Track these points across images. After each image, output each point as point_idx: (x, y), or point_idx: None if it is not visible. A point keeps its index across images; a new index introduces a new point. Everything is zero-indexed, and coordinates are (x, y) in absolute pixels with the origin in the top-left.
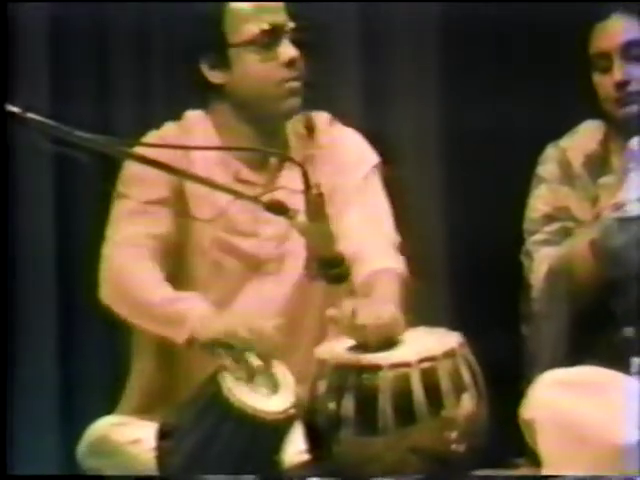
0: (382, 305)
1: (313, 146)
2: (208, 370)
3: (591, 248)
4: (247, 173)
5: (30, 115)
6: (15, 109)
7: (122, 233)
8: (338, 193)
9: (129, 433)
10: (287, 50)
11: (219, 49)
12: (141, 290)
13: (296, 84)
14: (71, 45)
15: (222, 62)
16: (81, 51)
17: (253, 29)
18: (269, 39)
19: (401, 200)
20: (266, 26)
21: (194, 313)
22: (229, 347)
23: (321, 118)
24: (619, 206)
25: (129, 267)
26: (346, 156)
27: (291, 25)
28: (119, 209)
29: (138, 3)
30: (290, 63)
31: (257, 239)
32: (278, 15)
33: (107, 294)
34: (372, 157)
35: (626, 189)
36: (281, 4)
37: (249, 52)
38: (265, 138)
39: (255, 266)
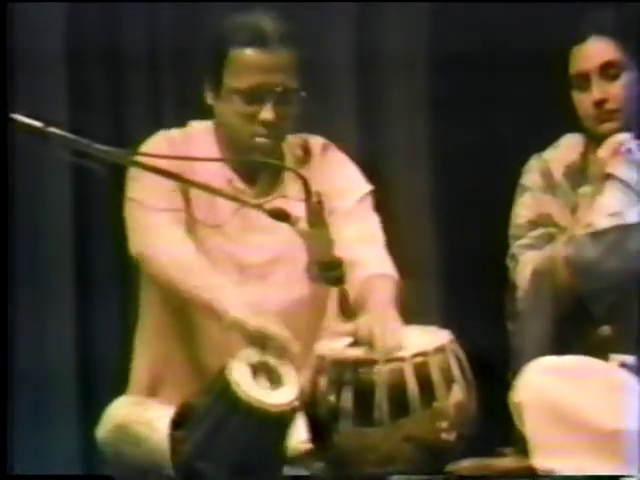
0: (389, 323)
1: (307, 168)
2: (213, 352)
3: (566, 264)
4: (240, 183)
5: (51, 129)
6: (37, 124)
7: (156, 218)
8: (332, 216)
9: (144, 413)
10: (266, 112)
11: (216, 79)
12: (191, 255)
13: (266, 141)
14: (88, 60)
15: (215, 91)
16: (97, 66)
17: (245, 82)
18: (255, 95)
19: (394, 216)
20: (256, 83)
21: (232, 291)
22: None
23: (316, 142)
24: (590, 223)
25: (179, 238)
26: (340, 182)
27: (288, 85)
28: (138, 209)
29: (151, 18)
30: (265, 124)
31: (243, 246)
32: (275, 75)
33: (163, 260)
34: (365, 185)
35: (597, 204)
36: (287, 63)
37: (235, 98)
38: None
39: (241, 270)
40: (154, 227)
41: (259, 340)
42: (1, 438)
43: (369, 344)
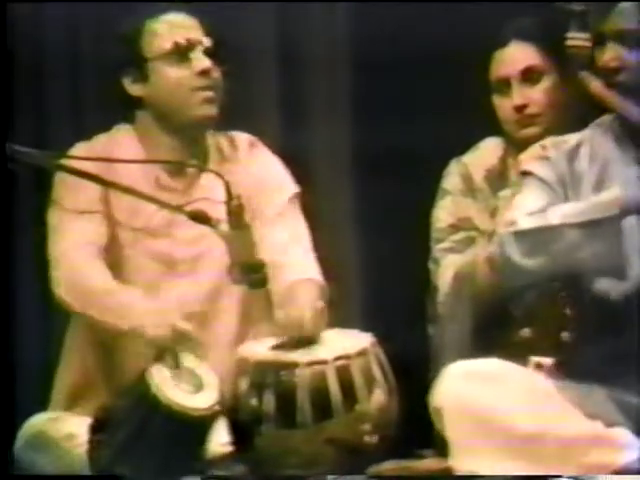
0: (304, 307)
1: (233, 164)
2: (134, 364)
3: (489, 263)
4: (166, 179)
5: None
6: None
7: (69, 235)
8: (260, 216)
9: (63, 428)
10: (200, 61)
11: (138, 64)
12: (94, 282)
13: (209, 93)
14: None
15: (141, 76)
16: (19, 69)
17: (167, 43)
18: (183, 52)
19: (317, 218)
20: (180, 39)
21: (139, 306)
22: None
23: (243, 138)
24: (512, 221)
25: (82, 263)
26: (268, 182)
27: (206, 41)
28: (59, 215)
29: (71, 23)
30: (203, 73)
31: (171, 241)
32: (192, 31)
33: (63, 288)
34: (292, 186)
35: (516, 201)
36: (195, 22)
37: (164, 64)
38: (185, 148)
39: (169, 267)
40: (66, 245)
41: (164, 348)
42: (2, 438)
43: (297, 326)
